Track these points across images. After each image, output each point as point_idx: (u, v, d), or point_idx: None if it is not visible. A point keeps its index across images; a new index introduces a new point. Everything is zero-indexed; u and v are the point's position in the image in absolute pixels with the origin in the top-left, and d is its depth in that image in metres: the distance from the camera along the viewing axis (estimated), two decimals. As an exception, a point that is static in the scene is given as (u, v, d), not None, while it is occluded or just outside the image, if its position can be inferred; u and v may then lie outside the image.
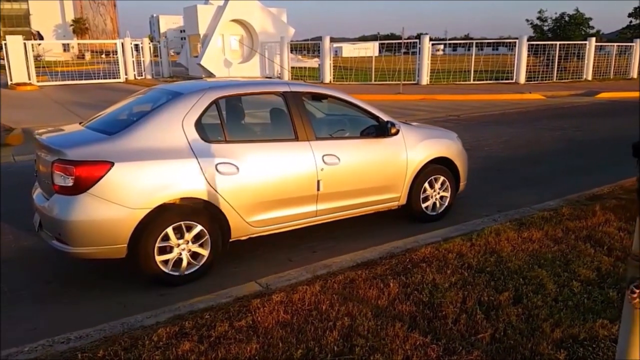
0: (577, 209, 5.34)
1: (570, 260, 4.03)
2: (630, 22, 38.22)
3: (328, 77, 25.16)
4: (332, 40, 26.52)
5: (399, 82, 22.22)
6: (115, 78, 28.78)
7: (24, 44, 25.71)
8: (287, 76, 26.18)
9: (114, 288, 4.08)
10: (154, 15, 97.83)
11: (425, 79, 24.23)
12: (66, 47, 69.04)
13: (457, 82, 24.56)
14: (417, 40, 24.33)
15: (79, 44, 65.80)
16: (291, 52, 38.00)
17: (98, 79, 28.44)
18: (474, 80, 24.70)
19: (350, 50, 52.65)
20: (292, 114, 4.65)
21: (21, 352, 2.97)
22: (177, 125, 4.10)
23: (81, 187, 3.70)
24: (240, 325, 3.11)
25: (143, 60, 30.17)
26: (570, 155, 9.34)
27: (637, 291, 2.16)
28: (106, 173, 3.72)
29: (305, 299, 3.44)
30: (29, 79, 25.81)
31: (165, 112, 4.17)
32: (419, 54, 24.19)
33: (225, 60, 27.25)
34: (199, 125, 4.18)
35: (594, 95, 20.18)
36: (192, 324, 3.14)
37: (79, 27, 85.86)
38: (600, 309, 3.28)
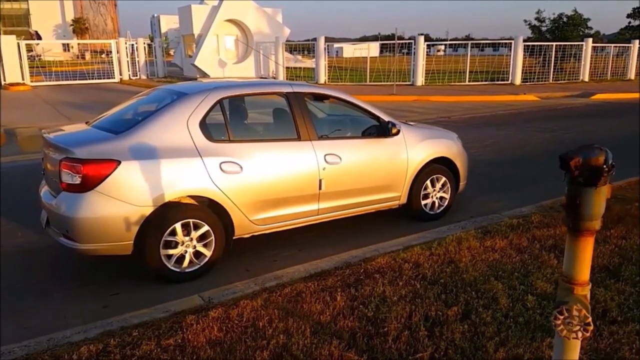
0: (547, 216, 5.17)
1: (530, 272, 3.86)
2: (629, 22, 37.92)
3: (323, 77, 24.98)
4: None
5: (393, 83, 22.04)
6: (110, 78, 28.69)
7: (18, 43, 25.63)
8: (282, 76, 26.02)
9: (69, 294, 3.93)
10: (155, 15, 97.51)
11: (420, 80, 24.04)
12: (66, 47, 68.97)
13: (452, 83, 24.36)
14: (412, 41, 24.15)
15: (79, 43, 65.71)
16: (291, 53, 37.86)
17: (93, 79, 28.35)
18: (469, 81, 24.51)
19: (351, 51, 52.47)
20: (295, 114, 4.71)
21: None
22: (182, 124, 4.17)
23: (88, 184, 3.78)
24: (168, 344, 2.95)
25: (138, 61, 30.02)
26: (553, 158, 9.07)
27: (561, 317, 2.00)
28: (113, 171, 3.81)
29: (243, 315, 3.28)
30: (23, 79, 25.74)
31: (171, 112, 4.24)
32: (414, 54, 24.00)
33: (219, 60, 27.10)
34: (203, 124, 4.26)
35: (589, 96, 19.97)
36: (117, 341, 2.98)
37: (79, 27, 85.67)
38: (551, 327, 3.10)
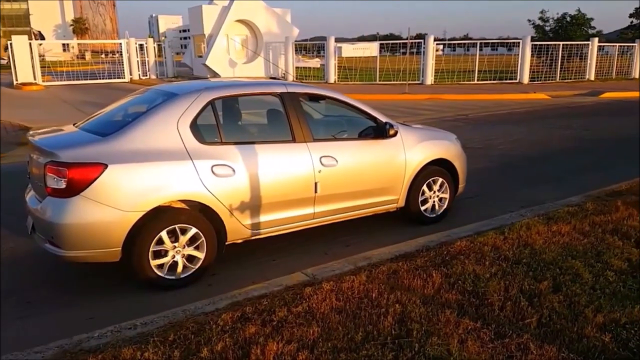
0: (600, 204, 5.52)
1: (602, 252, 4.21)
2: (632, 22, 38.48)
3: (333, 77, 25.35)
4: (335, 40, 26.72)
5: (403, 82, 22.47)
6: (119, 78, 28.94)
7: (29, 43, 25.85)
8: (292, 76, 26.33)
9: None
10: (153, 15, 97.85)
11: (429, 79, 24.45)
12: (66, 47, 69.07)
13: (461, 82, 24.77)
14: (422, 41, 24.54)
15: (78, 44, 65.90)
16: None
17: (102, 78, 28.59)
18: (477, 80, 24.92)
19: (350, 50, 52.88)
20: (289, 115, 4.61)
21: (92, 338, 3.13)
22: (172, 126, 4.07)
23: (74, 189, 3.68)
24: (298, 311, 3.28)
25: (147, 60, 30.28)
26: (581, 153, 9.53)
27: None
28: (99, 175, 3.70)
29: (354, 288, 3.60)
30: (35, 78, 25.95)
31: (160, 113, 4.14)
32: (424, 54, 24.39)
33: (230, 60, 27.39)
34: (194, 126, 4.15)
35: (598, 95, 20.41)
36: (252, 309, 3.31)
37: (79, 27, 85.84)
38: (637, 297, 3.45)
